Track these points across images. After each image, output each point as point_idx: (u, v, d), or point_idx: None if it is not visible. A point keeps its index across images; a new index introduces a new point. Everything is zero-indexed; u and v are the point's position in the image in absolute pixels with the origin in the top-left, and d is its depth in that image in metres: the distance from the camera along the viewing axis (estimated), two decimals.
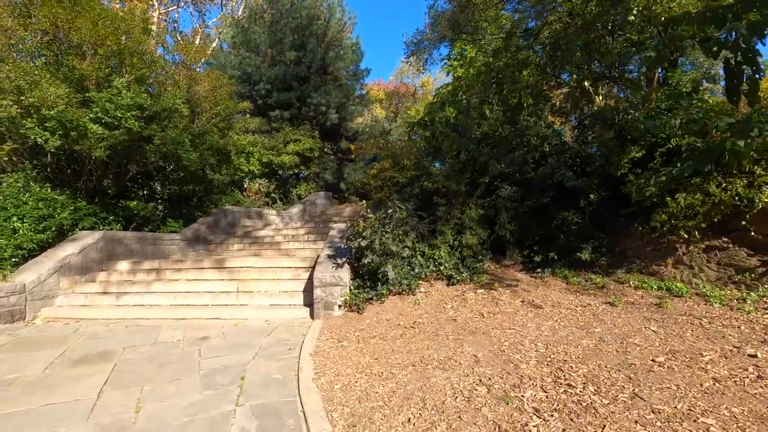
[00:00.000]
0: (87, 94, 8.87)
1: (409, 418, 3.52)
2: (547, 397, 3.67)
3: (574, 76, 9.03)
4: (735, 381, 3.75)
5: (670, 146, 6.86)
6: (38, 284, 7.20)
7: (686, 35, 5.79)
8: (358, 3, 59.90)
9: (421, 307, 6.82)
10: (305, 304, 7.22)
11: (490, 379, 4.13)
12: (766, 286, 6.08)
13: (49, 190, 8.74)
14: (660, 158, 6.97)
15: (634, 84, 10.09)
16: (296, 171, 19.53)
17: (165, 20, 24.20)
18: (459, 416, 3.48)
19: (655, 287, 6.80)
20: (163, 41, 13.96)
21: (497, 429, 3.26)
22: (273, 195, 18.71)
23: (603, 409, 3.40)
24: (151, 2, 21.26)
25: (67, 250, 7.89)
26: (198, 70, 14.25)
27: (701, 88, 8.05)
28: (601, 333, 5.20)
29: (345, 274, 6.96)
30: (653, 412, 3.31)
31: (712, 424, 3.11)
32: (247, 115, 18.00)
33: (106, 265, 8.69)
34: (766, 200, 6.10)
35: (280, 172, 19.09)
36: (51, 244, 8.12)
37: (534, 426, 3.25)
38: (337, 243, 8.07)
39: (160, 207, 12.39)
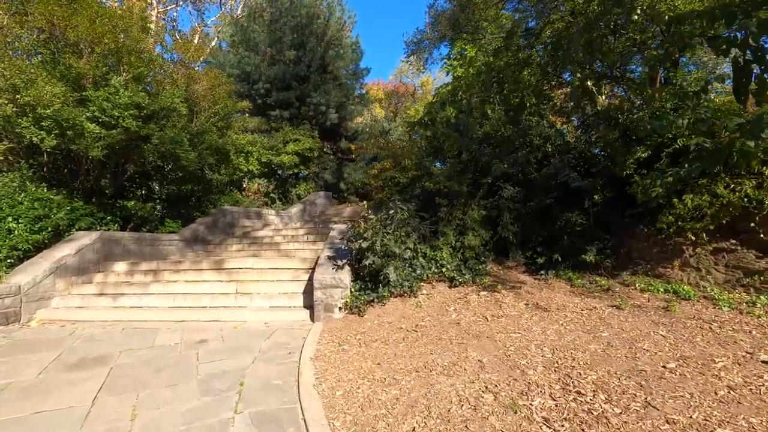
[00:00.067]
0: (84, 93, 8.74)
1: (414, 428, 3.40)
2: (556, 406, 3.56)
3: (578, 75, 8.91)
4: (750, 389, 3.63)
5: (677, 146, 6.75)
6: (34, 286, 7.07)
7: (695, 33, 5.69)
8: (358, 2, 59.76)
9: (423, 310, 6.71)
10: (305, 306, 7.11)
11: (496, 385, 4.01)
12: None
13: (45, 190, 8.63)
14: (666, 159, 6.86)
15: (637, 84, 9.99)
16: (295, 171, 19.42)
17: (163, 19, 24.08)
18: (466, 426, 3.37)
19: (661, 290, 6.69)
20: (162, 40, 13.87)
21: None
22: (272, 195, 18.59)
23: (615, 419, 3.28)
24: (149, 1, 21.10)
25: (64, 251, 7.77)
26: (197, 69, 14.13)
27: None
28: (609, 337, 5.08)
29: (345, 275, 6.85)
30: (668, 422, 3.19)
31: None
32: (246, 115, 17.89)
33: (103, 266, 8.57)
34: None
35: (280, 171, 18.97)
36: (47, 245, 7.99)
37: None
38: (338, 244, 7.96)
39: (158, 207, 12.25)
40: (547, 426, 3.28)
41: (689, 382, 3.80)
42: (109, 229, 9.37)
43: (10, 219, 7.68)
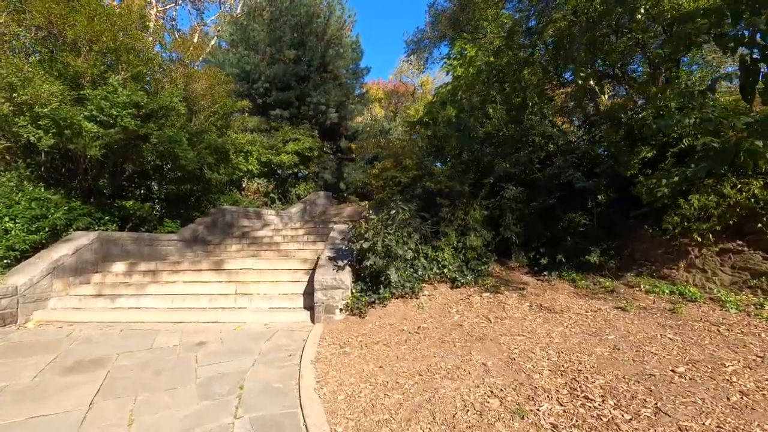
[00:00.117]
0: (82, 92, 8.64)
1: None
2: (564, 412, 3.47)
3: (581, 74, 8.85)
4: (763, 394, 3.54)
5: (683, 146, 6.67)
6: (30, 286, 6.98)
7: (702, 31, 5.61)
8: (358, 1, 59.74)
9: (425, 312, 6.62)
10: (305, 308, 7.01)
11: (501, 390, 3.92)
12: None
13: (42, 190, 8.54)
14: (672, 159, 6.77)
15: (639, 83, 9.93)
16: (295, 170, 19.35)
17: (163, 18, 23.98)
18: None
19: (667, 291, 6.60)
20: (161, 39, 13.72)
21: None
22: (272, 195, 18.50)
23: (626, 425, 3.19)
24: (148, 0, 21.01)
25: (61, 251, 7.67)
26: (196, 68, 14.03)
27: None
28: (615, 340, 5.00)
29: (346, 276, 6.76)
30: (680, 429, 3.10)
31: None
32: (246, 114, 17.80)
33: (101, 267, 8.48)
34: None
35: (279, 171, 18.90)
36: (44, 245, 7.90)
37: None
38: (338, 245, 7.87)
39: (157, 207, 12.15)
40: None
41: (700, 387, 3.71)
42: (107, 229, 9.28)
43: (6, 219, 7.59)
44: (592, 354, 4.63)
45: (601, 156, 8.73)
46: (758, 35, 3.18)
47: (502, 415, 3.47)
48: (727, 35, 3.92)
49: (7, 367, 4.92)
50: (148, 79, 10.73)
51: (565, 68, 11.06)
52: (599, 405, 3.51)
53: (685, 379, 3.88)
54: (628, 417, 3.31)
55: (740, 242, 6.41)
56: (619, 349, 4.73)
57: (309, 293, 7.01)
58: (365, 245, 6.90)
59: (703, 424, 3.16)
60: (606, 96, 11.46)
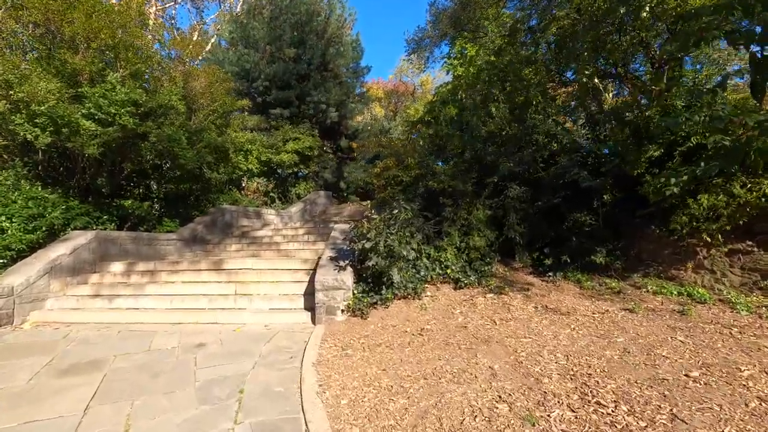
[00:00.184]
0: (79, 90, 8.54)
1: None
2: (576, 418, 3.35)
3: (585, 71, 8.74)
4: None
5: (690, 145, 6.55)
6: (27, 287, 6.86)
7: (712, 27, 5.50)
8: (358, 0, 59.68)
9: (428, 313, 6.50)
10: (306, 308, 6.90)
11: (510, 395, 3.80)
12: None
13: (39, 189, 8.43)
14: (679, 157, 6.65)
15: (643, 82, 9.81)
16: (295, 170, 19.27)
17: (162, 16, 23.83)
18: None
19: (675, 293, 6.48)
20: (160, 36, 13.61)
21: None
22: (272, 194, 18.39)
23: None
24: None
25: (58, 251, 7.55)
26: (195, 66, 13.94)
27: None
28: (625, 343, 4.88)
29: (348, 277, 6.65)
30: None
31: None
32: (246, 113, 17.72)
33: (99, 267, 8.36)
34: None
35: (279, 170, 18.81)
36: (41, 245, 7.78)
37: None
38: (340, 244, 7.76)
39: (156, 206, 12.04)
40: None
41: (716, 393, 3.59)
42: (105, 229, 9.17)
43: (3, 218, 7.49)
44: (602, 357, 4.51)
45: (607, 155, 8.60)
46: None
47: (512, 422, 3.35)
48: (738, 31, 3.82)
49: (1, 370, 4.81)
50: (146, 77, 10.64)
51: (567, 67, 10.96)
52: (612, 411, 3.39)
53: (700, 384, 3.76)
54: (643, 424, 3.19)
55: (750, 243, 6.29)
56: (629, 352, 4.62)
57: (310, 294, 6.90)
58: (367, 245, 6.78)
59: (722, 431, 3.04)
60: (610, 94, 11.34)
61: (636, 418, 3.27)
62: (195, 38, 20.71)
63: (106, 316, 6.93)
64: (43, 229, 7.87)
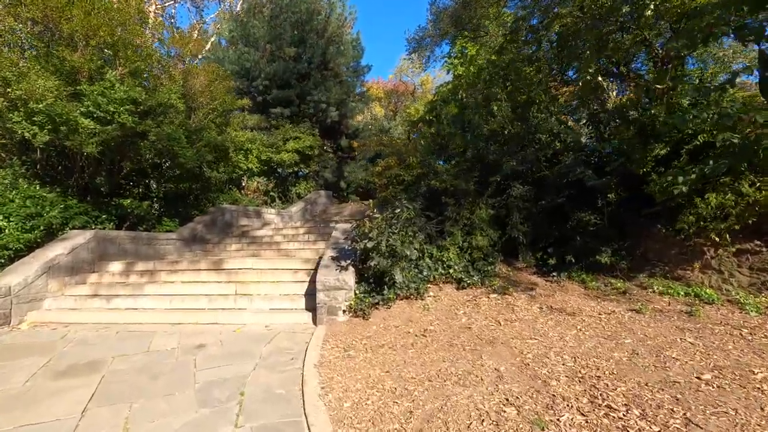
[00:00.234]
0: (78, 87, 8.44)
1: None
2: (587, 422, 3.25)
3: (589, 69, 8.64)
4: None
5: (697, 143, 6.45)
6: (25, 287, 6.78)
7: (721, 22, 5.42)
8: None
9: (431, 313, 6.41)
10: (307, 309, 6.81)
11: (518, 398, 3.71)
12: None
13: (38, 188, 8.33)
14: (686, 156, 6.55)
15: (647, 80, 9.72)
16: (295, 169, 19.20)
17: (161, 15, 23.72)
18: None
19: (682, 293, 6.38)
20: (160, 35, 13.51)
21: None
22: (272, 193, 18.29)
23: None
24: None
25: (56, 251, 7.47)
26: (195, 64, 13.86)
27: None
28: (633, 344, 4.78)
29: (349, 277, 6.56)
30: None
31: None
32: (246, 112, 17.63)
33: (98, 266, 8.27)
34: None
35: (279, 170, 18.73)
36: (39, 244, 7.70)
37: None
38: (341, 244, 7.66)
39: (155, 205, 11.93)
40: None
41: (730, 396, 3.49)
42: (104, 228, 9.08)
43: (0, 217, 7.40)
44: (610, 359, 4.41)
45: (612, 154, 8.50)
46: None
47: (521, 426, 3.26)
48: (748, 27, 3.73)
49: None
50: (146, 75, 10.53)
51: (569, 66, 10.89)
52: (624, 415, 3.29)
53: (713, 387, 3.66)
54: (656, 429, 3.09)
55: (758, 242, 6.19)
56: (638, 354, 4.52)
57: (311, 294, 6.83)
58: (369, 245, 6.68)
59: None
60: (615, 93, 11.27)
61: (649, 423, 3.17)
62: (195, 37, 20.65)
63: (105, 317, 6.85)
64: (41, 228, 7.78)
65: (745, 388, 3.62)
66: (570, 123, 11.99)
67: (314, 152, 19.20)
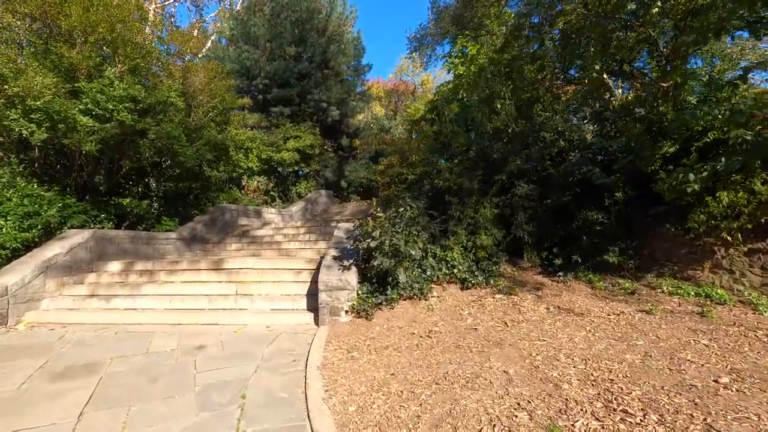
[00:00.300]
0: (77, 85, 8.32)
1: None
2: (603, 428, 3.12)
3: (596, 66, 8.52)
4: None
5: (707, 140, 6.31)
6: (22, 286, 6.66)
7: (732, 17, 5.32)
8: None
9: (435, 314, 6.29)
10: (309, 309, 6.69)
11: (529, 402, 3.58)
12: None
13: (35, 186, 8.22)
14: (696, 153, 6.41)
15: (650, 79, 9.61)
16: (296, 168, 19.10)
17: (161, 14, 23.61)
18: None
19: (692, 294, 6.24)
20: (160, 32, 13.39)
21: None
22: (272, 193, 18.18)
23: None
24: None
25: (54, 250, 7.35)
26: (195, 63, 13.74)
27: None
28: (645, 346, 4.65)
29: (352, 277, 6.43)
30: None
31: None
32: (246, 111, 17.53)
33: (97, 266, 8.15)
34: None
35: (280, 169, 18.63)
36: (37, 244, 7.60)
37: None
38: (344, 243, 7.53)
39: (154, 204, 11.82)
40: None
41: (750, 401, 3.36)
42: (103, 227, 8.96)
43: None
44: (623, 362, 4.29)
45: (618, 152, 8.38)
46: None
47: None
48: (762, 21, 3.62)
49: None
50: (145, 72, 10.40)
51: (572, 64, 10.79)
52: (641, 421, 3.16)
53: (732, 391, 3.53)
54: None
55: None
56: (651, 356, 4.39)
57: (312, 294, 6.70)
58: (372, 244, 6.56)
59: None
60: (620, 90, 11.16)
61: (668, 429, 3.04)
62: (195, 35, 20.54)
63: (103, 317, 6.74)
64: (39, 227, 7.67)
65: (765, 392, 3.49)
66: (574, 121, 11.90)
67: (315, 151, 19.09)
